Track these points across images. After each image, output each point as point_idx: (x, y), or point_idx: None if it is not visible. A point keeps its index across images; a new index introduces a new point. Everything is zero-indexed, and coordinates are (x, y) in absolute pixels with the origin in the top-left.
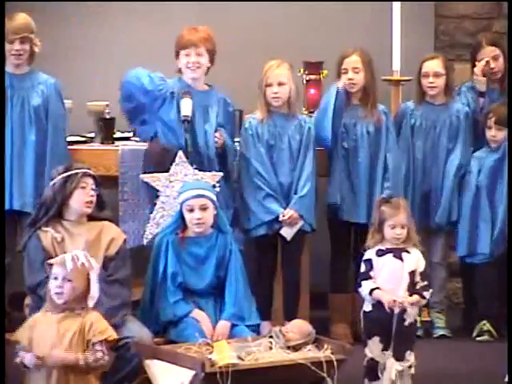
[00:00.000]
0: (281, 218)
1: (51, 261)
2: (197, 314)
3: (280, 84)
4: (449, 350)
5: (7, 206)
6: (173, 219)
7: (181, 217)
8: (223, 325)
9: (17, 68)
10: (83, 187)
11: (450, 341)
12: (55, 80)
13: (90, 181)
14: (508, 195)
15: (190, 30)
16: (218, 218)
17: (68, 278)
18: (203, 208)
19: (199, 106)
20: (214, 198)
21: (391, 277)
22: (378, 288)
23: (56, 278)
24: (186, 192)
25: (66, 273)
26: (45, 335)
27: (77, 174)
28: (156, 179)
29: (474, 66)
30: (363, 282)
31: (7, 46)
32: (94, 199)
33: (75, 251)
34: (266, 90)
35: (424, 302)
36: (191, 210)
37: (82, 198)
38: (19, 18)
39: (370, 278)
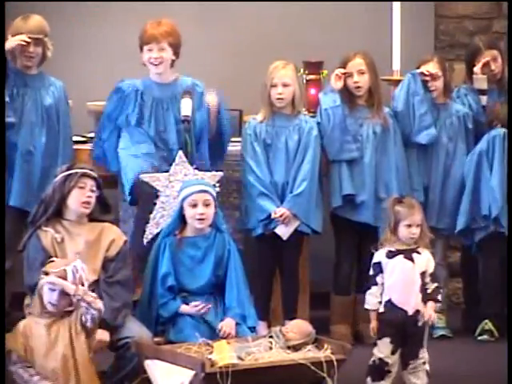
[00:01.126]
0: (273, 216)
1: (51, 270)
2: (183, 309)
3: (285, 85)
4: (449, 350)
5: (13, 203)
6: (172, 219)
7: (179, 217)
8: (230, 322)
9: (26, 69)
10: (81, 187)
11: (450, 341)
12: (62, 83)
13: (90, 181)
14: (508, 192)
15: (152, 24)
16: (215, 217)
17: (66, 292)
18: (206, 204)
19: (171, 96)
20: (215, 196)
21: (403, 279)
22: (375, 310)
23: (53, 290)
24: (189, 187)
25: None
26: (38, 343)
27: (76, 173)
28: (156, 179)
29: (470, 68)
30: (368, 294)
31: (20, 47)
32: (93, 200)
33: (74, 262)
34: (271, 90)
35: (439, 305)
36: (194, 206)
37: (79, 198)
38: (34, 20)
39: (377, 283)
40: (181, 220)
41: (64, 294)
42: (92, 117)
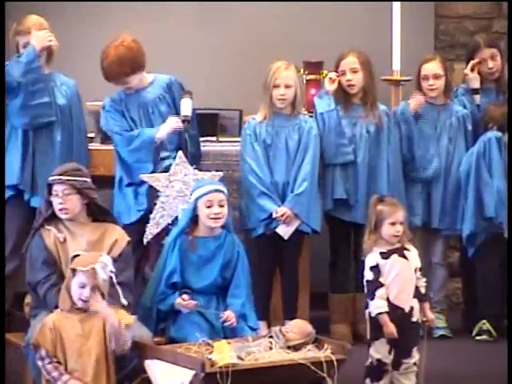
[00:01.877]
0: (274, 215)
1: (78, 267)
2: (177, 301)
3: (287, 86)
4: (449, 350)
5: (34, 204)
6: (186, 219)
7: (191, 216)
8: (230, 313)
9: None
10: (55, 195)
11: (450, 341)
12: (74, 82)
13: (60, 187)
14: (508, 192)
15: (105, 64)
16: (227, 219)
17: (97, 288)
18: (221, 205)
19: (153, 98)
20: (227, 197)
21: (400, 277)
22: (386, 312)
23: (83, 287)
24: (204, 187)
25: (94, 283)
26: (71, 338)
27: (49, 183)
28: (156, 179)
29: None
30: (378, 298)
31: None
32: (70, 204)
33: (102, 257)
34: (273, 90)
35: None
36: (209, 206)
37: (56, 206)
38: (30, 18)
39: (382, 285)
40: (192, 220)
41: (95, 288)
42: (92, 117)
